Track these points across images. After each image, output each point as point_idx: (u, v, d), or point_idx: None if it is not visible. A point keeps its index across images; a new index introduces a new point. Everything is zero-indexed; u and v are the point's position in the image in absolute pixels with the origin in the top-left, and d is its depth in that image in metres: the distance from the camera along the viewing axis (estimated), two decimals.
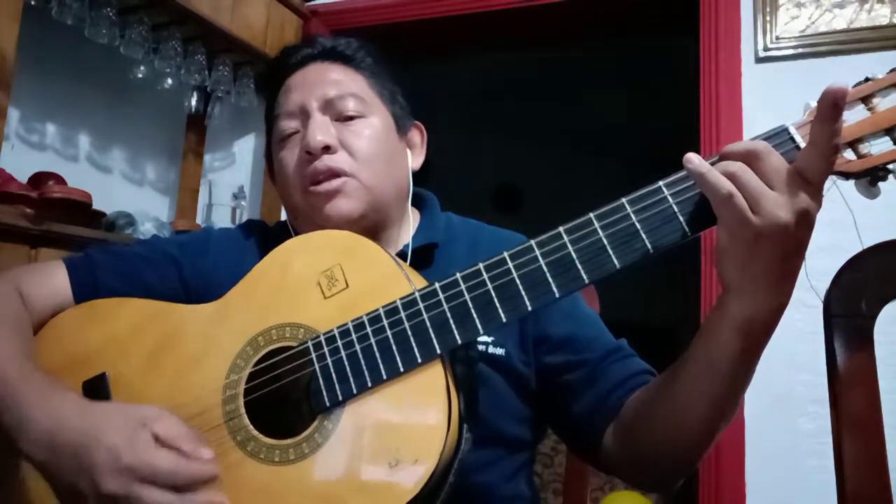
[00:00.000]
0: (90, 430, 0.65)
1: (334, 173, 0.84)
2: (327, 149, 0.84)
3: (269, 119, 0.94)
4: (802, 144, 0.59)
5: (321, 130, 0.84)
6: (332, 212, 0.83)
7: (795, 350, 1.52)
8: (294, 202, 0.88)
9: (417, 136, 0.97)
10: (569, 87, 3.65)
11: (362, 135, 0.86)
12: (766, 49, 1.74)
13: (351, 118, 0.87)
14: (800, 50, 1.71)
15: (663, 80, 3.17)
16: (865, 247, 0.79)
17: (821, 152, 0.56)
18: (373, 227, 0.87)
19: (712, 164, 0.60)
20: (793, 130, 0.60)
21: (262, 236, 0.95)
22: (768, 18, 1.74)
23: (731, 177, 0.57)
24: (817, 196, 0.58)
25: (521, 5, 2.02)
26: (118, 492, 0.61)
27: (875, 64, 0.62)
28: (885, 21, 1.64)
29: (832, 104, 0.54)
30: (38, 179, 1.65)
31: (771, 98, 1.71)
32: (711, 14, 1.80)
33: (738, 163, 0.58)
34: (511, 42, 2.40)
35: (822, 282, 0.78)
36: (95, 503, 0.62)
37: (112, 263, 0.90)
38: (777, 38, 1.73)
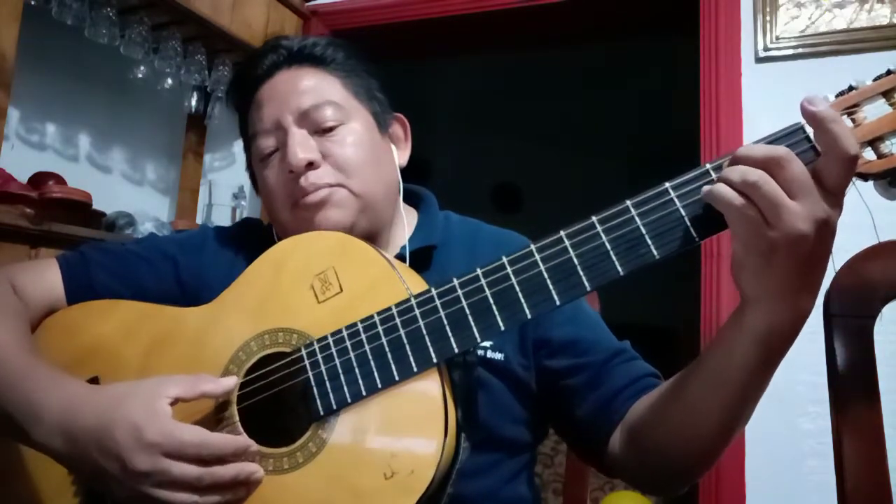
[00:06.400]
0: (107, 409, 0.64)
1: (320, 187, 0.81)
2: (310, 165, 0.80)
3: (244, 136, 0.90)
4: None
5: (301, 147, 0.80)
6: (322, 223, 0.80)
7: (795, 350, 1.51)
8: (283, 221, 0.85)
9: (400, 129, 0.92)
10: (569, 87, 3.64)
11: (345, 143, 0.82)
12: (766, 49, 1.74)
13: (331, 129, 0.82)
14: (800, 50, 1.71)
15: (663, 80, 3.18)
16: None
17: (836, 159, 0.53)
18: (366, 232, 0.84)
19: (720, 166, 0.57)
20: (809, 130, 0.56)
21: (259, 235, 0.92)
22: (768, 18, 1.74)
23: (751, 186, 0.53)
24: (838, 204, 0.55)
25: (521, 5, 2.02)
26: (147, 469, 0.61)
27: (875, 64, 0.61)
28: (885, 21, 1.64)
29: (810, 115, 0.53)
30: (38, 179, 1.64)
31: (771, 98, 1.71)
32: (711, 14, 1.80)
33: (759, 171, 0.54)
34: (511, 42, 2.39)
35: (824, 282, 0.77)
36: (125, 482, 0.62)
37: (106, 262, 0.88)
38: (777, 38, 1.73)
